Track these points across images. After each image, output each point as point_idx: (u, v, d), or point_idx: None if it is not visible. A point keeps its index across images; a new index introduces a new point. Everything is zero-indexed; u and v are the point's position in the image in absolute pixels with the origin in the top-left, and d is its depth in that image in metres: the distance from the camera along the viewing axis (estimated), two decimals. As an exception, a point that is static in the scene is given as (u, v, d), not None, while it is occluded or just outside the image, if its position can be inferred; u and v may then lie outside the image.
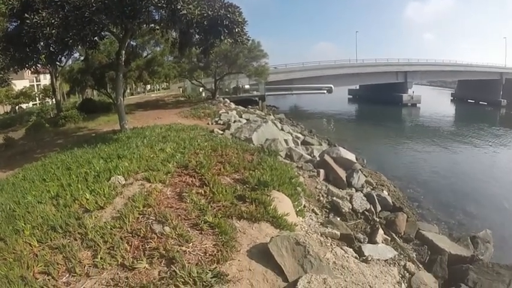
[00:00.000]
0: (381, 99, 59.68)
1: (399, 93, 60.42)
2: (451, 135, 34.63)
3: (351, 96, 75.56)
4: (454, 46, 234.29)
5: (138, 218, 5.33)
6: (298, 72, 50.87)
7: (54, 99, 29.09)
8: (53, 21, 9.91)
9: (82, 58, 22.95)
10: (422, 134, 34.76)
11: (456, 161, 23.96)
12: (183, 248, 4.58)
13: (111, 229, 5.02)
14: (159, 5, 10.26)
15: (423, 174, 19.04)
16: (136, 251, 4.60)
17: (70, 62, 24.44)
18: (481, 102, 69.23)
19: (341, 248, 6.67)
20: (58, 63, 15.05)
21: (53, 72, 25.07)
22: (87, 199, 5.90)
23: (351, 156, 12.99)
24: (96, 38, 12.52)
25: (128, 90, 43.98)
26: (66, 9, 10.05)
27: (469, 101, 72.31)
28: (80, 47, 14.73)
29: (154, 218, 5.25)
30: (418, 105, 60.59)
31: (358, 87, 71.22)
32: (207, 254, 4.53)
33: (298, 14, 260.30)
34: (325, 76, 51.82)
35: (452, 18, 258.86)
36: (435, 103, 67.17)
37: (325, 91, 50.31)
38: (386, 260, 7.29)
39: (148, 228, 5.05)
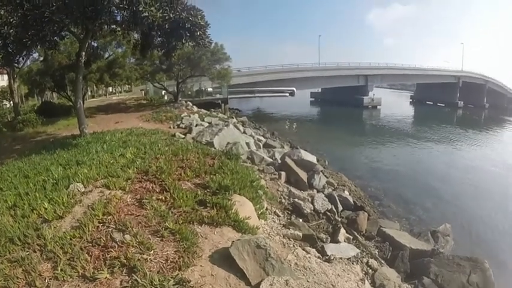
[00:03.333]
0: (343, 102, 61.16)
1: (360, 96, 62.16)
2: (410, 136, 36.12)
3: (313, 99, 76.85)
4: (414, 50, 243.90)
5: (98, 226, 5.18)
6: (261, 75, 51.26)
7: (11, 102, 27.60)
8: (11, 20, 9.53)
9: (41, 59, 22.09)
10: (383, 135, 36.00)
11: (415, 159, 25.07)
12: (144, 256, 4.50)
13: (70, 239, 4.86)
14: (121, 6, 10.12)
15: (384, 173, 19.76)
16: (97, 261, 4.47)
17: (29, 62, 23.48)
18: (439, 104, 72.95)
19: (303, 249, 6.78)
20: (16, 64, 14.44)
21: (10, 73, 23.87)
22: (46, 208, 5.68)
23: (311, 158, 13.30)
24: (56, 37, 12.17)
25: (89, 93, 42.60)
26: (25, 7, 9.66)
27: (427, 102, 75.82)
28: (39, 47, 14.24)
29: (114, 227, 5.14)
30: (378, 107, 62.68)
31: (320, 90, 72.47)
32: (169, 261, 4.48)
33: (264, 16, 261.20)
34: (288, 79, 52.70)
35: (412, 24, 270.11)
36: (395, 105, 69.87)
37: (288, 94, 51.12)
38: (349, 258, 7.51)
39: (109, 237, 4.93)
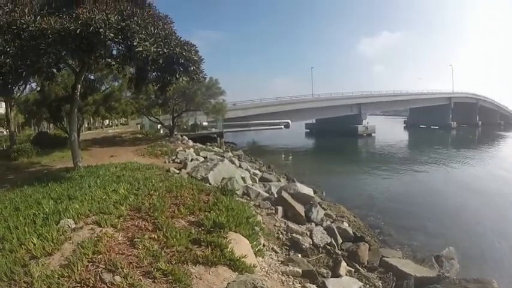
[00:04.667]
0: (337, 132, 61.64)
1: (354, 125, 63.07)
2: (406, 161, 36.35)
3: (308, 130, 77.14)
4: (405, 76, 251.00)
5: (87, 266, 4.95)
6: (255, 108, 52.19)
7: (8, 130, 27.47)
8: (8, 49, 9.58)
9: (38, 89, 22.19)
10: (379, 162, 36.04)
11: (412, 184, 25.07)
12: (135, 300, 4.28)
13: (58, 278, 4.62)
14: (116, 40, 10.24)
15: (382, 201, 19.51)
16: (85, 304, 4.25)
17: (27, 91, 23.55)
18: (432, 127, 74.39)
19: (303, 286, 6.53)
20: (12, 93, 14.50)
21: (7, 101, 23.82)
22: (35, 244, 5.48)
23: (308, 190, 13.12)
24: (53, 69, 12.27)
25: (86, 125, 42.64)
26: (22, 37, 9.72)
27: (421, 126, 77.27)
28: (36, 77, 14.31)
29: (104, 267, 4.90)
30: (373, 134, 63.45)
31: (314, 121, 73.11)
32: (161, 306, 4.27)
33: (256, 51, 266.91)
34: (283, 112, 53.65)
35: (402, 50, 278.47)
36: (389, 131, 70.69)
37: (283, 126, 51.51)
38: (352, 292, 7.17)
39: (98, 277, 4.69)
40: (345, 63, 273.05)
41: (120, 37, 10.12)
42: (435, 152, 40.95)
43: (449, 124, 73.41)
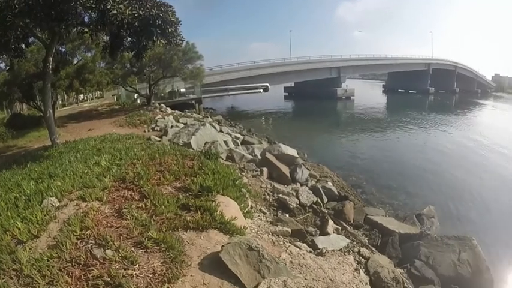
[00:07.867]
0: (316, 95, 61.65)
1: (333, 88, 63.02)
2: (385, 123, 36.91)
3: (286, 94, 76.80)
4: (385, 42, 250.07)
5: (77, 243, 4.81)
6: (233, 72, 51.36)
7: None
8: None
9: (7, 68, 21.16)
10: (358, 124, 36.57)
11: (392, 145, 25.63)
12: (129, 272, 4.20)
13: (47, 260, 4.47)
14: (88, 5, 9.58)
15: (363, 161, 19.98)
16: (78, 282, 4.12)
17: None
18: (410, 91, 75.58)
19: (295, 245, 6.63)
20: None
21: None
22: (19, 228, 5.23)
23: (292, 151, 13.19)
24: (21, 44, 11.61)
25: (60, 102, 41.25)
26: None
27: (399, 90, 78.28)
28: (4, 55, 13.58)
29: (94, 242, 4.78)
30: (352, 97, 63.85)
31: (293, 85, 72.73)
32: (156, 274, 4.20)
33: (232, 14, 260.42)
34: (261, 75, 52.92)
35: (382, 15, 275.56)
36: (368, 95, 71.42)
37: (261, 90, 50.95)
38: (341, 249, 7.44)
39: (89, 253, 4.58)
40: (324, 28, 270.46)
41: (91, 1, 9.53)
42: (413, 116, 41.64)
43: (428, 89, 74.34)
